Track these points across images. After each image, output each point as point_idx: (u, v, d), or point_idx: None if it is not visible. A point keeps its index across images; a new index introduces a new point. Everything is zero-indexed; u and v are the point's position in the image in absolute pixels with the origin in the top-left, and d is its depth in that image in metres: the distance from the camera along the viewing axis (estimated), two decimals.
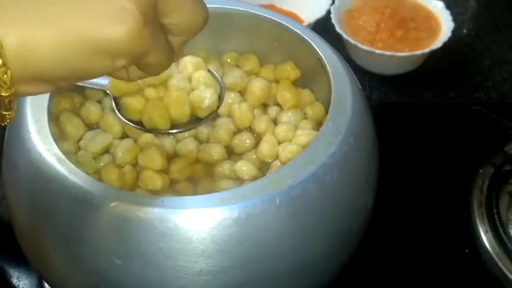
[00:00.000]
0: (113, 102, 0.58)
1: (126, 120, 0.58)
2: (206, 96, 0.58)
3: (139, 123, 0.58)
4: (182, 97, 0.57)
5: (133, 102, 0.57)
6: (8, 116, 0.41)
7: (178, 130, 0.58)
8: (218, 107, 0.59)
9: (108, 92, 0.59)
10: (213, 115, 0.59)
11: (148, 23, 0.41)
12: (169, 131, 0.57)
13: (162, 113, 0.57)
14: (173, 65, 0.57)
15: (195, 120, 0.58)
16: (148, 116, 0.57)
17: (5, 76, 0.39)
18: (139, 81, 0.57)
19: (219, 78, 0.60)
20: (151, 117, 0.57)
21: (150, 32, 0.41)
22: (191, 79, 0.59)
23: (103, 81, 0.59)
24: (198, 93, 0.58)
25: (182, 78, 0.59)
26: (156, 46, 0.43)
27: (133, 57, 0.42)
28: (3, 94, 0.40)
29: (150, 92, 0.58)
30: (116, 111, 0.58)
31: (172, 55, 0.46)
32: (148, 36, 0.41)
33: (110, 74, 0.48)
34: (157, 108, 0.57)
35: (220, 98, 0.59)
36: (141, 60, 0.43)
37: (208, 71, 0.60)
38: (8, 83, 0.39)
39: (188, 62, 0.60)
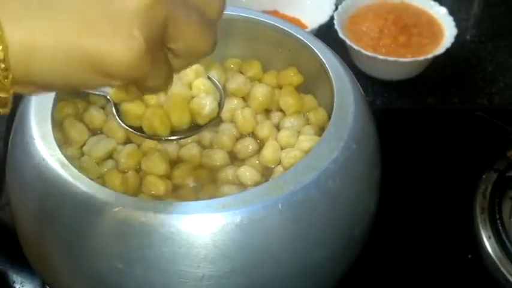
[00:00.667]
0: (114, 108, 0.58)
1: (126, 126, 0.58)
2: (206, 104, 0.58)
3: (139, 129, 0.58)
4: (182, 104, 0.57)
5: (134, 108, 0.58)
6: (2, 112, 0.42)
7: (179, 137, 0.58)
8: (218, 114, 0.59)
9: (108, 97, 0.59)
10: (213, 122, 0.59)
11: (150, 51, 0.41)
12: (169, 138, 0.58)
13: (163, 120, 0.57)
14: None
15: (195, 127, 0.59)
16: (148, 122, 0.57)
17: (6, 80, 0.39)
18: None
19: (219, 86, 0.61)
20: (152, 123, 0.57)
21: (150, 60, 0.41)
22: (191, 86, 0.59)
23: (105, 88, 0.59)
24: (198, 100, 0.58)
25: (182, 85, 0.59)
26: (154, 72, 0.43)
27: (129, 81, 0.42)
28: (1, 95, 0.40)
29: (151, 99, 0.58)
30: (116, 117, 0.58)
31: (171, 79, 0.46)
32: (147, 64, 0.41)
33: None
34: (158, 114, 0.57)
35: (220, 105, 0.59)
36: (138, 83, 0.43)
37: (208, 78, 0.61)
38: (8, 86, 0.40)
39: (189, 69, 0.60)
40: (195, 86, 0.59)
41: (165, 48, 0.44)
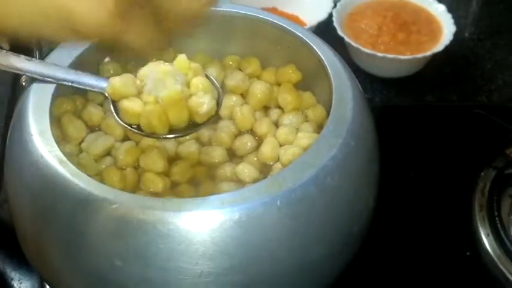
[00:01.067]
0: (111, 106, 0.58)
1: (124, 124, 0.58)
2: (204, 102, 0.58)
3: (137, 127, 0.58)
4: (181, 102, 0.57)
5: (132, 106, 0.57)
6: None
7: (176, 135, 0.58)
8: (216, 112, 0.59)
9: (106, 95, 0.59)
10: (211, 121, 0.59)
11: (122, 10, 0.40)
12: (167, 136, 0.58)
13: (161, 118, 0.57)
14: (172, 69, 0.57)
15: (193, 125, 0.59)
16: (146, 120, 0.57)
17: None
18: (138, 84, 0.57)
19: (217, 84, 0.61)
20: (150, 121, 0.57)
21: (122, 19, 0.41)
22: (189, 85, 0.59)
23: (101, 84, 0.59)
24: (197, 99, 0.58)
25: (181, 83, 0.59)
26: (130, 31, 0.42)
27: (101, 38, 0.42)
28: None
29: (149, 96, 0.58)
30: (114, 114, 0.58)
31: (158, 41, 0.45)
32: (117, 23, 0.41)
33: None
34: (156, 112, 0.57)
35: (218, 104, 0.59)
36: (115, 42, 0.43)
37: (206, 76, 0.61)
38: None
39: (187, 68, 0.60)
40: (193, 85, 0.59)
41: (150, 7, 0.43)
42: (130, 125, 0.58)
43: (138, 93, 0.58)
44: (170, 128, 0.58)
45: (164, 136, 0.58)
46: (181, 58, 0.59)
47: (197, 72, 0.60)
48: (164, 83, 0.57)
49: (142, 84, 0.58)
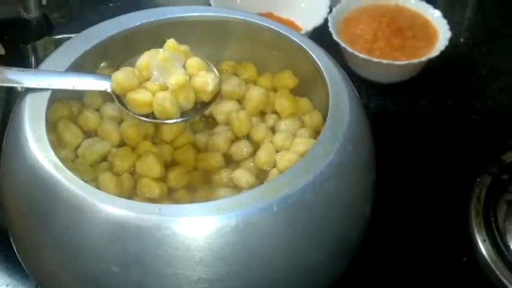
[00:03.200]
0: (117, 101, 0.58)
1: (137, 116, 0.58)
2: (209, 80, 0.58)
3: (148, 117, 0.59)
4: (188, 85, 0.58)
5: (142, 97, 0.58)
6: None
7: (189, 116, 0.59)
8: (219, 90, 0.59)
9: (110, 91, 0.59)
10: (216, 99, 0.60)
11: None
12: (181, 119, 0.59)
13: (173, 103, 0.57)
14: (170, 54, 0.58)
15: (199, 106, 0.59)
16: (160, 107, 0.57)
17: None
18: (138, 75, 0.58)
19: (211, 65, 0.61)
20: (164, 108, 0.57)
21: None
22: (185, 66, 0.59)
23: (103, 82, 0.59)
24: (201, 78, 0.58)
25: (181, 66, 0.59)
26: None
27: None
28: None
29: (154, 85, 0.58)
30: (123, 108, 0.58)
31: None
32: None
33: None
34: (169, 98, 0.57)
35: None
36: None
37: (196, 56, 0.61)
38: None
39: (177, 51, 0.59)
40: (189, 66, 0.59)
41: None
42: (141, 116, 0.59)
43: (140, 84, 0.59)
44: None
45: (179, 120, 0.59)
46: (171, 42, 0.60)
47: (187, 54, 0.60)
48: (167, 69, 0.58)
49: (148, 73, 0.58)
